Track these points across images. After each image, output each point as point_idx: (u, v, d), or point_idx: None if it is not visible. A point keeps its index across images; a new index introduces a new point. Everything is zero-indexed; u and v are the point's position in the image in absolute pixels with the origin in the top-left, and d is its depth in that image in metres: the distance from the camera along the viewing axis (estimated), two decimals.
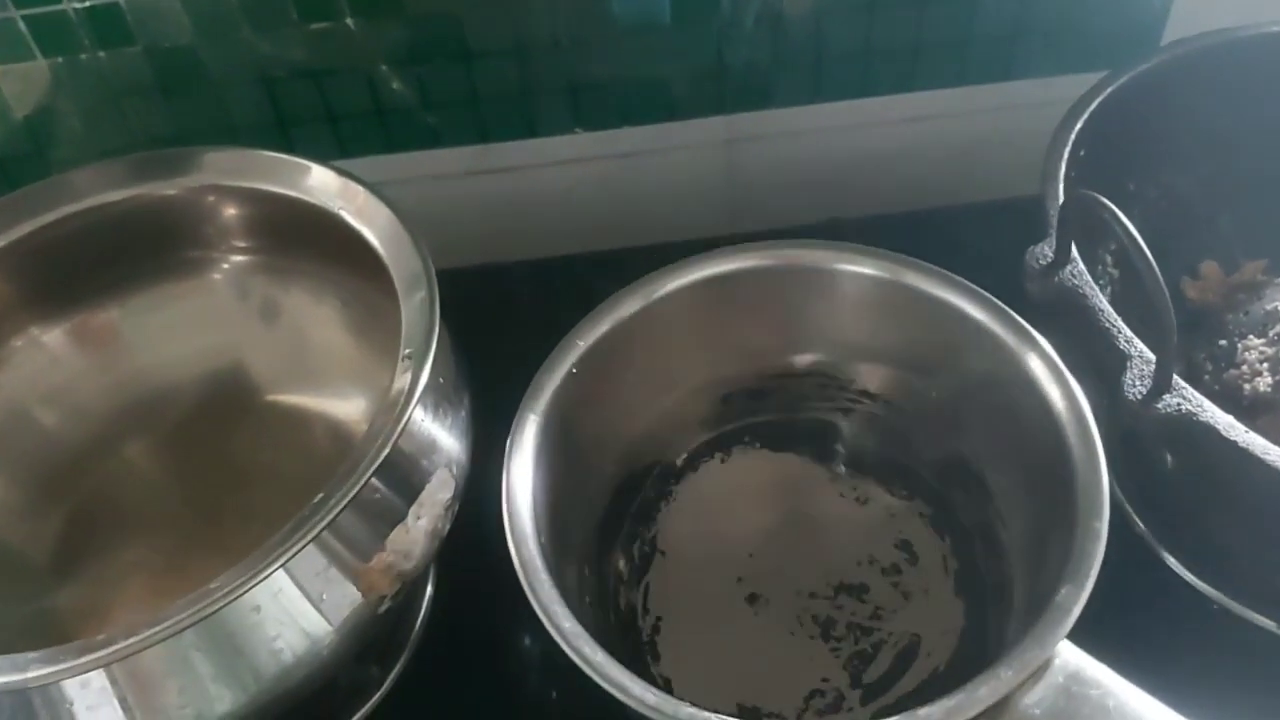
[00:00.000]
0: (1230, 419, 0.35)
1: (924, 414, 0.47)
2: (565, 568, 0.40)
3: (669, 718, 0.33)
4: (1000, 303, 0.43)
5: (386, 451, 0.34)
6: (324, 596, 0.35)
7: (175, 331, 0.49)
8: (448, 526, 0.39)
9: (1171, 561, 0.46)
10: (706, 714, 0.33)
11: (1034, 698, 0.33)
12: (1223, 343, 0.47)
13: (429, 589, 0.48)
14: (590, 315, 0.44)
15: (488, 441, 0.42)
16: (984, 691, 0.33)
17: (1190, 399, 0.35)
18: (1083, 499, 0.37)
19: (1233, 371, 0.45)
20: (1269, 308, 0.46)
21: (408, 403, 0.36)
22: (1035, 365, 0.41)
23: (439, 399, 0.39)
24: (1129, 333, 0.37)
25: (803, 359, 0.49)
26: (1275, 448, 0.34)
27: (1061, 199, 0.42)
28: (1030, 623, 0.35)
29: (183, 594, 0.32)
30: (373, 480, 0.34)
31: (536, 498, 0.40)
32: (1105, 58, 0.59)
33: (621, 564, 0.47)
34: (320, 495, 0.33)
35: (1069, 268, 0.39)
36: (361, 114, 0.58)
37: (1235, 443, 0.34)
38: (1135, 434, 0.45)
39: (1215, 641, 0.45)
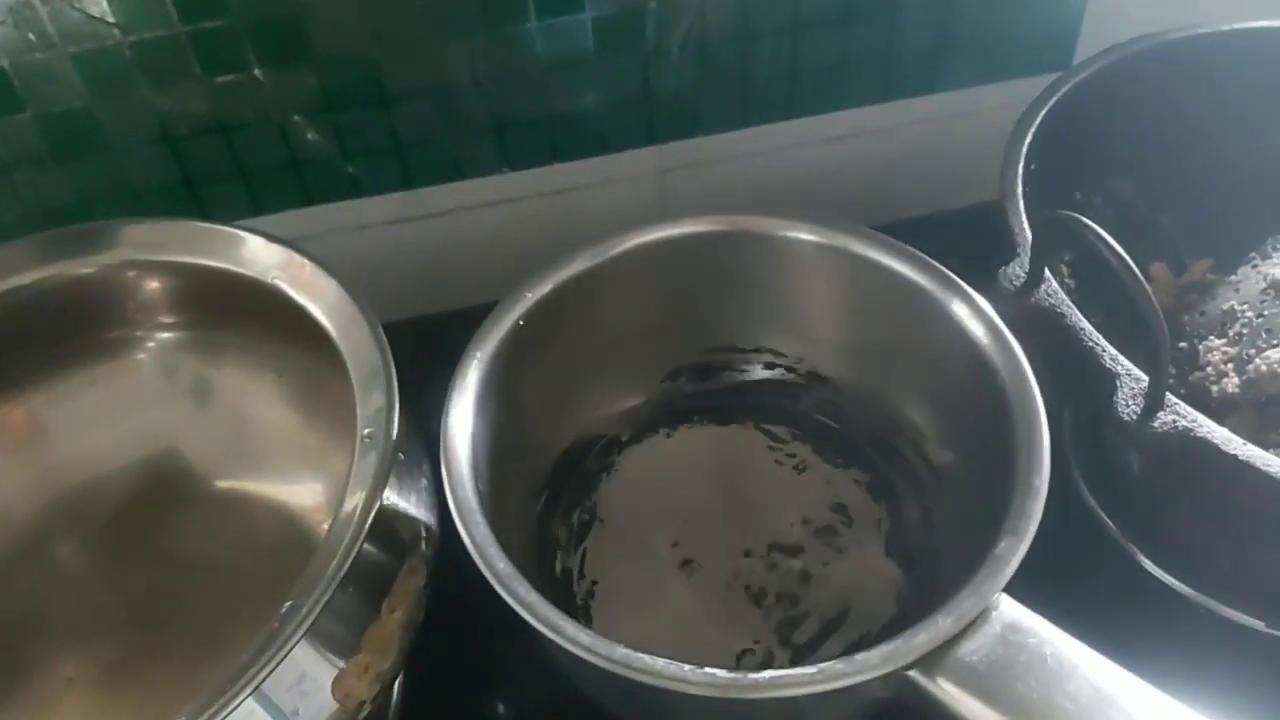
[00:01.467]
0: (1226, 432, 0.34)
1: (866, 381, 0.48)
2: (503, 525, 0.39)
3: (601, 658, 0.33)
4: (937, 263, 0.43)
5: (356, 550, 0.32)
6: (299, 711, 0.32)
7: (100, 419, 0.46)
8: (423, 614, 0.36)
9: (1150, 565, 0.46)
10: (639, 654, 0.33)
11: (972, 646, 0.33)
12: (1183, 345, 0.46)
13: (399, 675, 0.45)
14: (539, 270, 0.44)
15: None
16: (922, 638, 0.33)
17: (1185, 415, 0.34)
18: (1023, 456, 0.37)
19: (1198, 374, 0.45)
20: (1224, 307, 0.46)
21: (375, 492, 0.33)
22: (974, 327, 0.42)
23: (402, 477, 0.37)
24: (1114, 351, 0.37)
25: (749, 332, 0.50)
26: (1275, 458, 0.33)
27: (1025, 218, 0.41)
28: (969, 576, 0.35)
29: (125, 713, 0.29)
30: (343, 581, 0.31)
31: (476, 446, 0.39)
32: (1024, 66, 0.60)
33: (560, 530, 0.47)
34: (289, 604, 0.30)
35: (1043, 287, 0.39)
36: (275, 168, 0.55)
37: (1235, 456, 0.33)
38: (1107, 443, 0.44)
39: (1203, 644, 0.44)
